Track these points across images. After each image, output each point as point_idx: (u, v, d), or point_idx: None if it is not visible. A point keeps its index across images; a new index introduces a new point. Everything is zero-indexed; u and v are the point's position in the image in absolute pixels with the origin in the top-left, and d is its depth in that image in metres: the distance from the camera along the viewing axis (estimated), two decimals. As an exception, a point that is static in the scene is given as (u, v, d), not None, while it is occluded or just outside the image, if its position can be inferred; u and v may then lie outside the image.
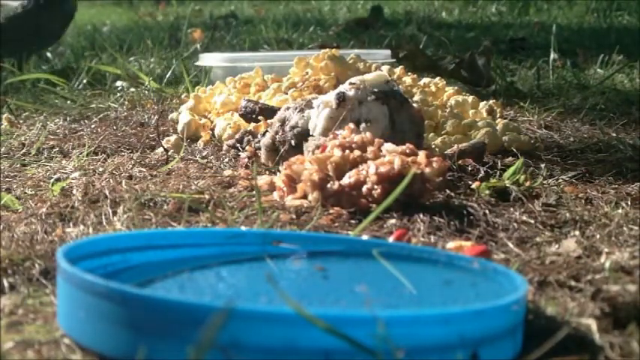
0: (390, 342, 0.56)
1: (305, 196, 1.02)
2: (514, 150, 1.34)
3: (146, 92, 2.00)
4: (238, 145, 1.37)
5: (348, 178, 1.00)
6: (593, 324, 0.68)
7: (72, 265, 0.65)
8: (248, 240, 0.82)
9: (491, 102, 1.54)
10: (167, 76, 2.10)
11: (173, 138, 1.44)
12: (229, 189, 1.12)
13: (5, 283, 0.79)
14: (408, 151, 1.04)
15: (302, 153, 1.16)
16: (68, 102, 1.92)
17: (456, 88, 1.63)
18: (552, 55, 2.29)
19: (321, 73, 1.57)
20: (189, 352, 0.56)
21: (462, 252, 0.83)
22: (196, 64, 2.09)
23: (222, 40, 3.04)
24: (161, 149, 1.39)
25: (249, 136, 1.37)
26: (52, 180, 1.16)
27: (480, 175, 1.18)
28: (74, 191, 1.09)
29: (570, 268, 0.82)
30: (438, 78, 1.66)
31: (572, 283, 0.79)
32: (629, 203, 1.07)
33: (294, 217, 0.97)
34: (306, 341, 0.56)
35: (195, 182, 1.14)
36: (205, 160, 1.31)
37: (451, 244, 0.87)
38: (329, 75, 1.55)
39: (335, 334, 0.55)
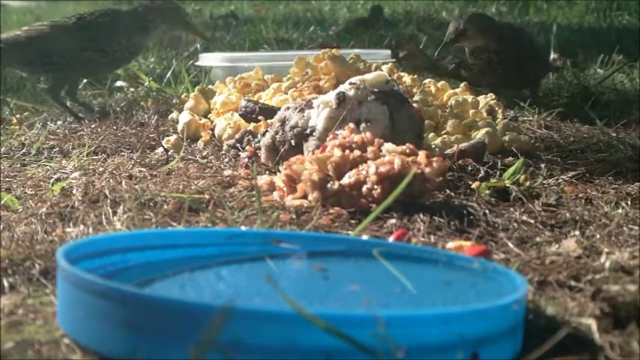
0: (390, 342, 0.56)
1: (305, 196, 1.02)
2: (514, 150, 1.34)
3: (146, 92, 2.00)
4: (238, 145, 1.37)
5: (348, 178, 1.00)
6: (593, 324, 0.68)
7: (72, 265, 0.65)
8: (248, 240, 0.82)
9: (491, 102, 1.54)
10: (167, 76, 2.10)
11: (173, 138, 1.44)
12: (229, 189, 1.12)
13: (5, 283, 0.79)
14: (408, 151, 1.04)
15: (302, 153, 1.16)
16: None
17: (459, 89, 1.63)
18: (552, 55, 2.29)
19: (321, 73, 1.57)
20: (189, 352, 0.56)
21: (462, 252, 0.83)
22: (196, 64, 2.09)
23: (222, 40, 3.04)
24: (161, 149, 1.39)
25: (249, 136, 1.37)
26: (52, 180, 1.16)
27: (480, 175, 1.18)
28: (74, 191, 1.09)
29: (570, 268, 0.82)
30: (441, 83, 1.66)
31: (572, 283, 0.79)
32: (629, 203, 1.07)
33: (294, 217, 0.97)
34: (307, 341, 0.56)
35: (195, 182, 1.14)
36: (205, 160, 1.31)
37: (451, 244, 0.87)
38: (329, 75, 1.55)
39: (335, 334, 0.55)
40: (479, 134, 1.36)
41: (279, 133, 1.21)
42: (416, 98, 1.48)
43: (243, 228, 0.92)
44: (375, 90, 1.18)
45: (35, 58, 1.74)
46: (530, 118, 1.64)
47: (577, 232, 0.95)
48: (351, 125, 1.11)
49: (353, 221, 0.96)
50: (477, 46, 1.80)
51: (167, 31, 1.88)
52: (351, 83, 1.19)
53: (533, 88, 1.89)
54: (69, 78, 1.77)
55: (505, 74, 1.81)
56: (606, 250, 0.88)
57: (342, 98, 1.17)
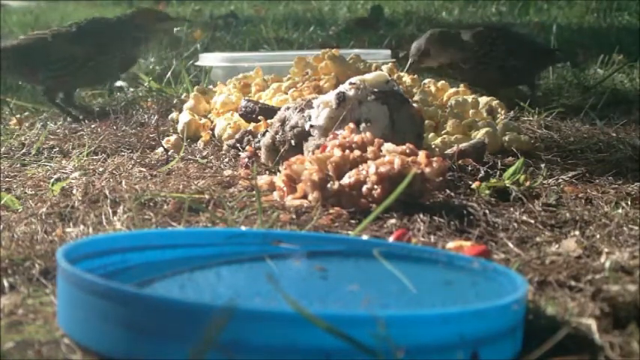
0: (390, 342, 0.56)
1: (305, 196, 1.02)
2: (514, 150, 1.34)
3: (146, 92, 2.00)
4: (238, 145, 1.37)
5: (348, 178, 1.00)
6: (593, 324, 0.68)
7: (72, 265, 0.65)
8: (248, 240, 0.82)
9: (492, 102, 1.54)
10: (167, 76, 2.10)
11: (173, 138, 1.44)
12: (229, 189, 1.12)
13: (5, 283, 0.79)
14: (408, 151, 1.04)
15: (302, 153, 1.16)
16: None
17: (460, 88, 1.63)
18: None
19: (321, 73, 1.57)
20: (189, 352, 0.56)
21: (462, 252, 0.83)
22: (196, 64, 2.09)
23: (222, 40, 3.04)
24: (161, 149, 1.39)
25: (249, 136, 1.37)
26: (52, 180, 1.16)
27: (480, 175, 1.18)
28: (74, 191, 1.09)
29: (570, 268, 0.82)
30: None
31: (572, 283, 0.79)
32: (629, 203, 1.07)
33: (294, 217, 0.97)
34: (307, 341, 0.56)
35: (195, 182, 1.14)
36: (205, 160, 1.31)
37: (451, 244, 0.87)
38: (329, 75, 1.55)
39: (335, 334, 0.55)
40: (479, 134, 1.36)
41: (279, 133, 1.21)
42: (416, 98, 1.48)
43: (243, 228, 0.92)
44: (375, 90, 1.18)
45: (35, 66, 1.74)
46: (530, 118, 1.64)
47: (577, 232, 0.95)
48: (351, 125, 1.11)
49: (353, 221, 0.96)
50: (442, 62, 1.80)
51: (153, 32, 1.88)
52: (351, 83, 1.19)
53: (530, 83, 1.89)
54: (67, 84, 1.77)
55: (488, 76, 1.81)
56: (606, 250, 0.88)
57: (342, 98, 1.17)
